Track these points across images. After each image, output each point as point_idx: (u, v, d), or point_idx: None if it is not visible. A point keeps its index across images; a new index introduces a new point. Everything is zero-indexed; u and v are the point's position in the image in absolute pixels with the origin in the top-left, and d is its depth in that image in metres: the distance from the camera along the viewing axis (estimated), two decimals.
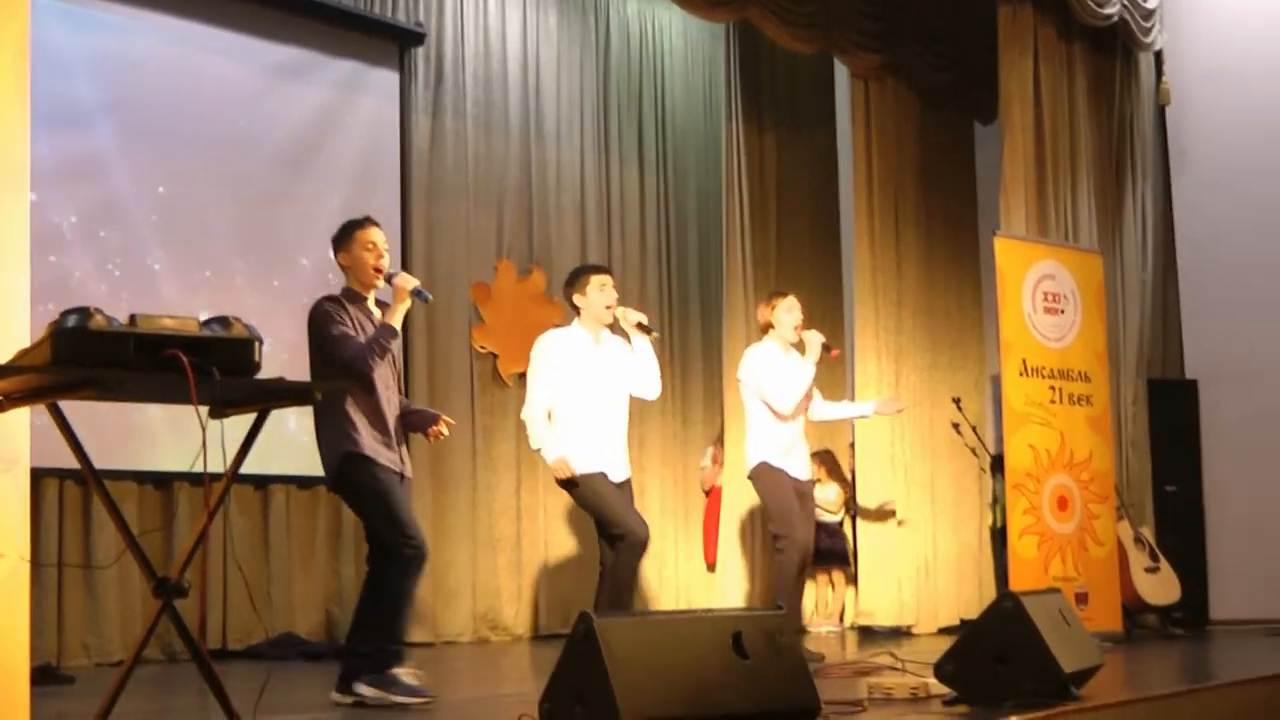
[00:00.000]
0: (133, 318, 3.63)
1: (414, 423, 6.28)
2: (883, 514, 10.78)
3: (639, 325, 7.34)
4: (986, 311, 11.19)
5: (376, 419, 5.95)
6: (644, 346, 7.37)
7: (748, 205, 11.58)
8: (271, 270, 9.77)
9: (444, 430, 6.27)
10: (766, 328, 8.35)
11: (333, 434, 5.92)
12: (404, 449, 6.10)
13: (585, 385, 7.22)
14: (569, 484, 7.21)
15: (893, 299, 11.03)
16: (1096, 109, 10.84)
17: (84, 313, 3.56)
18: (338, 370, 5.81)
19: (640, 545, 7.15)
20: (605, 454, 7.20)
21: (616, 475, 7.24)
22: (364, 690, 5.76)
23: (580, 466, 7.15)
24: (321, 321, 5.92)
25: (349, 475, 5.93)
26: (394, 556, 5.85)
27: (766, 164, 11.85)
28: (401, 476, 6.02)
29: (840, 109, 12.04)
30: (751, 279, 11.38)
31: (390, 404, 6.04)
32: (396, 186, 10.65)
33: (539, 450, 7.34)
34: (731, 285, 11.41)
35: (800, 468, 8.27)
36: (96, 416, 8.52)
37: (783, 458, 8.16)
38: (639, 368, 7.38)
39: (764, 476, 8.21)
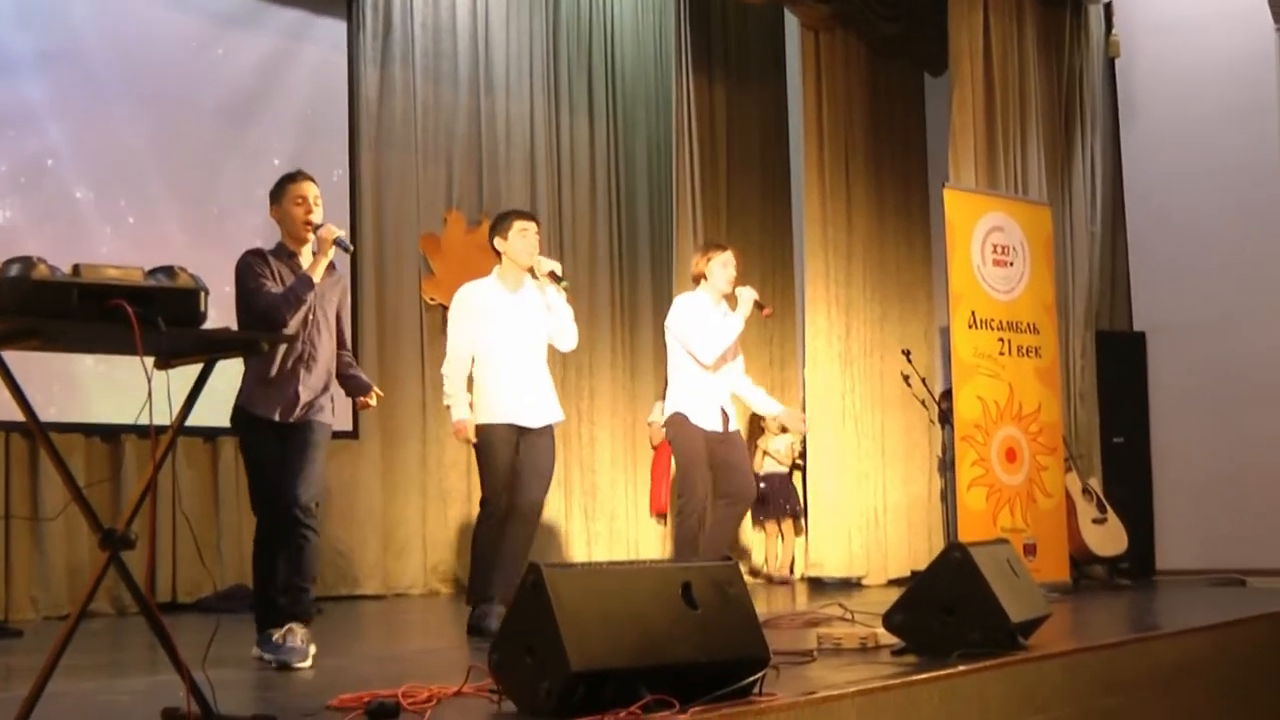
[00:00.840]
0: (76, 268, 3.59)
1: (348, 386, 6.26)
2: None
3: (550, 274, 7.21)
4: (936, 264, 11.23)
5: (262, 371, 5.88)
6: (557, 297, 7.26)
7: (698, 156, 11.57)
8: (216, 224, 9.69)
9: (371, 402, 6.29)
10: (699, 278, 8.19)
11: (241, 386, 5.94)
12: (309, 401, 5.95)
13: (500, 336, 7.12)
14: (478, 432, 7.15)
15: (843, 251, 11.05)
16: (1046, 61, 10.85)
17: (26, 262, 3.52)
18: (254, 320, 5.78)
19: (494, 515, 7.06)
20: (523, 401, 7.11)
21: (535, 420, 7.15)
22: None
23: (484, 416, 7.07)
24: (241, 274, 5.90)
25: (235, 430, 6.00)
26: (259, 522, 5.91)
27: (717, 115, 11.84)
28: (287, 425, 5.90)
29: (791, 60, 12.03)
30: (702, 230, 11.38)
31: (304, 357, 5.95)
32: (344, 138, 10.59)
33: (447, 406, 7.26)
34: (682, 236, 11.40)
35: (718, 420, 8.02)
36: (41, 368, 8.48)
37: (699, 411, 7.97)
38: (554, 318, 7.27)
39: (675, 429, 8.03)
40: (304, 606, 5.82)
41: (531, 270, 7.21)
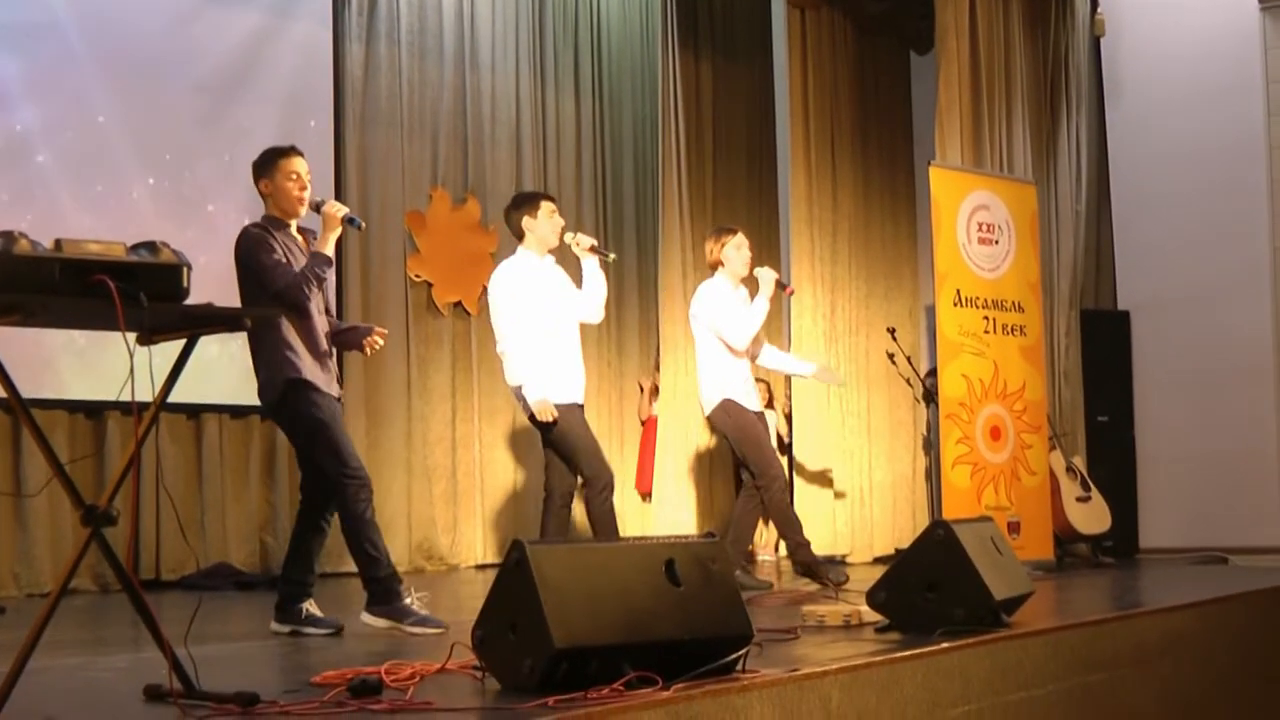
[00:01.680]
0: (58, 243, 3.57)
1: (348, 340, 6.27)
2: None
3: (593, 248, 7.36)
4: (921, 242, 11.24)
5: (313, 344, 5.92)
6: (595, 271, 7.36)
7: (684, 134, 11.55)
8: (199, 201, 9.64)
9: (378, 341, 6.24)
10: (715, 265, 8.30)
11: (273, 360, 5.88)
12: (335, 369, 6.08)
13: (542, 313, 7.22)
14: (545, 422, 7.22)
15: (828, 229, 11.05)
16: (1032, 39, 10.85)
17: (8, 237, 3.50)
18: (270, 298, 5.76)
19: (609, 486, 7.25)
20: (566, 381, 7.22)
21: (577, 398, 7.33)
22: (374, 620, 5.85)
23: (556, 398, 7.16)
24: (253, 249, 5.86)
25: (291, 403, 5.90)
26: (335, 487, 5.84)
27: (703, 93, 11.82)
28: (340, 403, 6.03)
29: (777, 38, 12.02)
30: (688, 208, 11.37)
31: (323, 328, 6.01)
32: (329, 114, 10.55)
33: (518, 386, 7.28)
34: (667, 214, 11.39)
35: (756, 401, 8.36)
36: (23, 344, 8.44)
37: (744, 394, 8.18)
38: (587, 291, 7.39)
39: (731, 415, 8.17)
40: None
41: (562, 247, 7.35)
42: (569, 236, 7.37)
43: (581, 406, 7.38)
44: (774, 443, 11.34)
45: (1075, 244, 11.12)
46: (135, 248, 3.72)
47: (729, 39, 12.04)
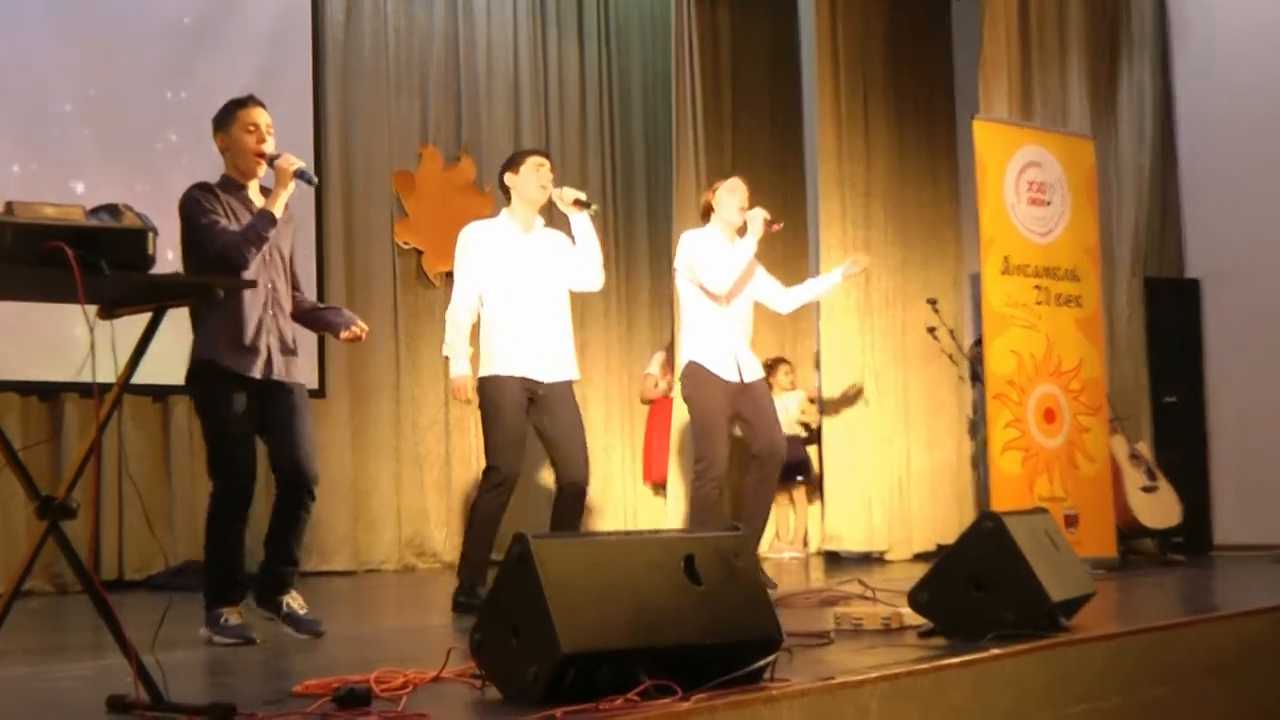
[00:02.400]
0: (9, 205, 3.57)
1: (324, 320, 6.25)
2: (848, 399, 10.80)
3: (576, 202, 7.27)
4: (964, 204, 11.20)
5: (234, 320, 5.86)
6: (584, 226, 7.29)
7: (699, 85, 11.51)
8: (165, 160, 9.64)
9: (359, 334, 6.23)
10: (707, 211, 8.27)
11: (197, 336, 5.89)
12: (284, 355, 5.99)
13: (515, 279, 7.15)
14: (480, 385, 7.15)
15: (860, 190, 11.02)
16: None
17: None
18: (208, 262, 5.74)
19: (503, 484, 7.08)
20: (535, 356, 7.12)
21: (546, 375, 7.15)
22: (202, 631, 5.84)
23: (490, 368, 7.08)
24: (188, 210, 5.85)
25: (195, 386, 5.96)
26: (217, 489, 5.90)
27: (721, 39, 11.78)
28: (268, 384, 5.92)
29: None
30: (704, 168, 11.32)
31: (271, 303, 5.95)
32: (308, 66, 10.54)
33: (446, 357, 7.27)
34: (681, 175, 11.35)
35: (736, 368, 8.08)
36: None
37: (716, 358, 8.01)
38: (578, 254, 7.30)
39: (690, 380, 8.08)
40: (292, 581, 6.07)
41: (550, 206, 7.28)
42: (554, 192, 7.31)
43: (557, 386, 7.18)
44: (792, 428, 11.39)
45: (1137, 204, 11.08)
46: (95, 211, 3.71)
47: None
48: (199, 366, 5.89)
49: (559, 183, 7.45)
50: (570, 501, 7.17)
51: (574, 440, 7.18)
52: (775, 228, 8.20)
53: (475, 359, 7.18)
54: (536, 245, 7.26)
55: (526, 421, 7.12)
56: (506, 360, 7.06)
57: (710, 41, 11.66)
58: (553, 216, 7.72)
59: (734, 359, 8.07)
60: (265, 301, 5.93)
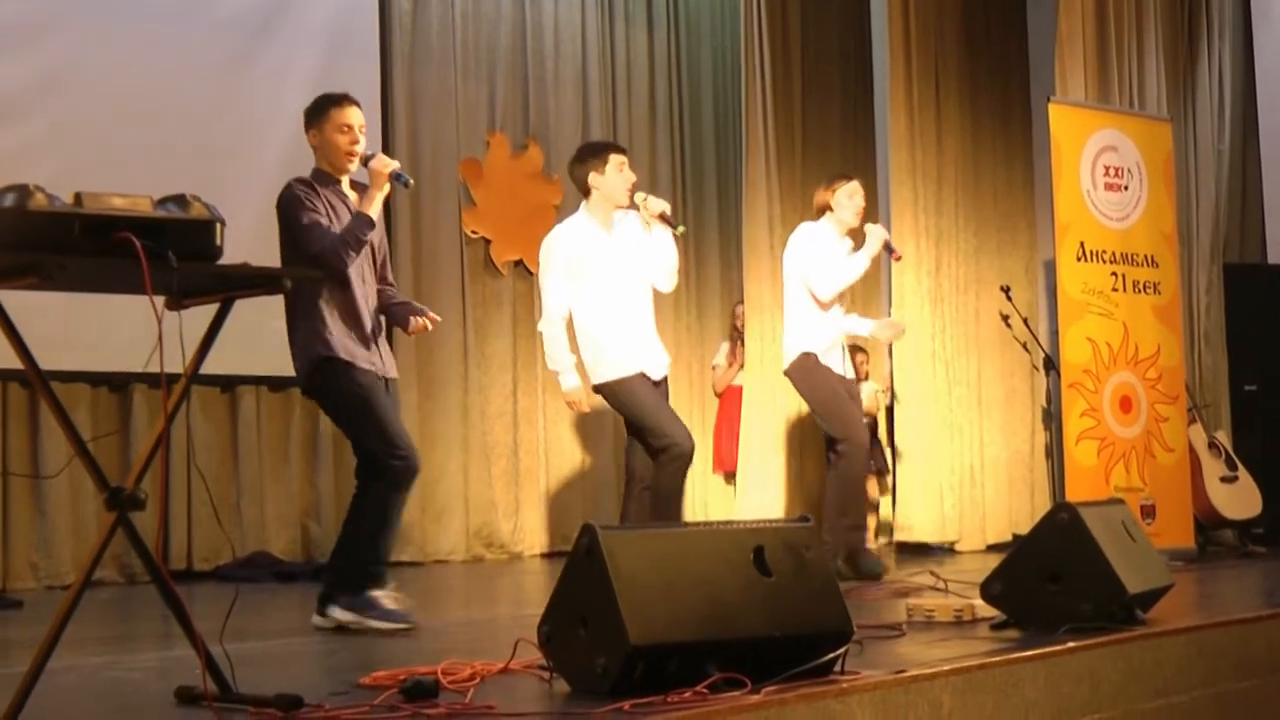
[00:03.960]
0: (78, 196, 3.59)
1: (396, 314, 6.28)
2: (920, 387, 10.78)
3: (662, 216, 7.27)
4: (1039, 189, 11.12)
5: (351, 317, 5.95)
6: (665, 240, 7.30)
7: (770, 71, 11.46)
8: (233, 147, 9.70)
9: (428, 325, 6.26)
10: (823, 209, 8.40)
11: (304, 335, 5.94)
12: (385, 348, 6.10)
13: (605, 282, 7.19)
14: (605, 392, 7.22)
15: (933, 176, 10.97)
16: None
17: (23, 191, 3.52)
18: (307, 263, 5.79)
19: (686, 457, 7.18)
20: (640, 352, 7.20)
21: (655, 372, 7.26)
22: (339, 614, 5.83)
23: (614, 371, 7.17)
24: (291, 208, 5.90)
25: (323, 382, 5.97)
26: (380, 468, 5.87)
27: (790, 24, 11.72)
28: (385, 380, 6.04)
29: None
30: (774, 154, 11.28)
31: (368, 300, 6.04)
32: (375, 52, 10.58)
33: (556, 372, 7.33)
34: (752, 162, 11.31)
35: (843, 365, 8.36)
36: (42, 311, 8.50)
37: (826, 352, 8.19)
38: (657, 260, 7.31)
39: (808, 372, 8.25)
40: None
41: (632, 207, 7.30)
42: (639, 196, 7.31)
43: (657, 382, 7.30)
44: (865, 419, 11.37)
45: (1217, 188, 10.99)
46: (163, 202, 3.73)
47: None
48: (326, 364, 5.93)
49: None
50: (676, 473, 7.20)
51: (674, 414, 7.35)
52: (895, 256, 8.45)
53: (579, 367, 7.24)
54: (620, 243, 7.27)
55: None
56: (623, 362, 7.14)
57: (780, 28, 11.60)
58: None
59: (838, 353, 8.31)
60: (365, 297, 6.01)
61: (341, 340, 5.92)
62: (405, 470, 5.89)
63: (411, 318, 6.25)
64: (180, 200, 3.75)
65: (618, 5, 12.08)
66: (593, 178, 7.24)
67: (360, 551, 5.91)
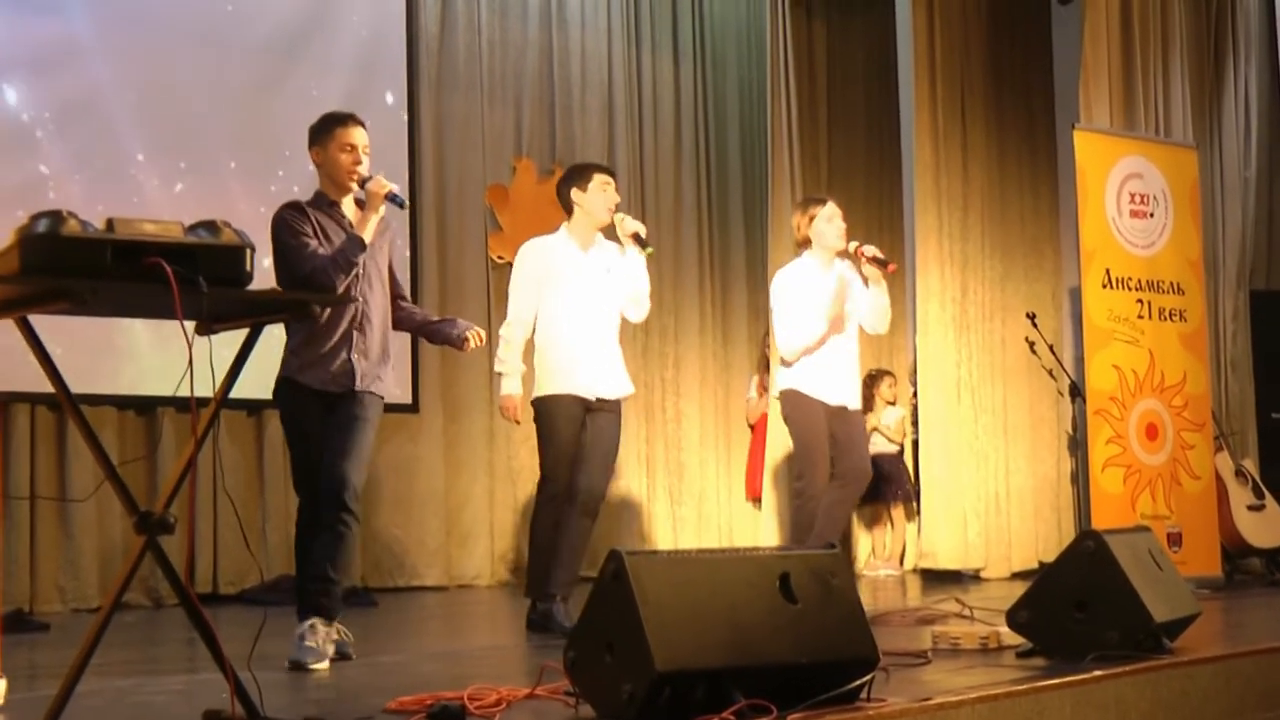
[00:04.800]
0: (110, 222, 3.61)
1: (439, 333, 6.29)
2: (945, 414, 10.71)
3: (634, 236, 7.18)
4: (1065, 216, 11.11)
5: (320, 337, 5.89)
6: (638, 262, 7.22)
7: (795, 99, 11.50)
8: (263, 170, 9.75)
9: (473, 341, 6.25)
10: (802, 243, 8.10)
11: (285, 351, 5.97)
12: (366, 367, 5.99)
13: (571, 296, 7.12)
14: (535, 407, 7.14)
15: (958, 203, 10.96)
16: None
17: (55, 217, 3.54)
18: (298, 285, 5.75)
19: (555, 500, 7.02)
20: (589, 372, 7.10)
21: (603, 390, 7.13)
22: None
23: (544, 387, 7.07)
24: (279, 231, 5.89)
25: (278, 403, 6.03)
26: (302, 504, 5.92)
27: (816, 53, 11.75)
28: (340, 395, 5.92)
29: None
30: (799, 182, 11.31)
31: (359, 318, 5.96)
32: (402, 78, 10.62)
33: (499, 373, 7.27)
34: (777, 189, 11.34)
35: (840, 391, 8.02)
36: (72, 334, 8.57)
37: (817, 382, 7.98)
38: (628, 286, 7.22)
39: (790, 404, 8.08)
40: (332, 601, 5.83)
41: (611, 230, 7.21)
42: (616, 216, 7.25)
43: (605, 404, 7.14)
44: (888, 444, 11.34)
45: (1243, 216, 10.97)
46: (193, 228, 3.75)
47: None
48: (281, 383, 5.95)
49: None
50: (587, 508, 7.06)
51: (604, 458, 7.13)
52: (890, 269, 8.07)
53: (527, 376, 7.18)
54: (595, 264, 7.20)
55: (580, 437, 7.09)
56: (565, 379, 7.06)
57: (806, 56, 11.64)
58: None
59: (836, 381, 8.01)
60: (353, 316, 5.96)
61: (302, 360, 5.88)
62: (314, 509, 5.86)
63: (460, 338, 6.23)
64: (211, 226, 3.77)
65: (644, 34, 12.11)
66: (575, 194, 7.20)
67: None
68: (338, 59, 10.23)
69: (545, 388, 7.08)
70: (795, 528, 8.09)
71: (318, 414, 5.91)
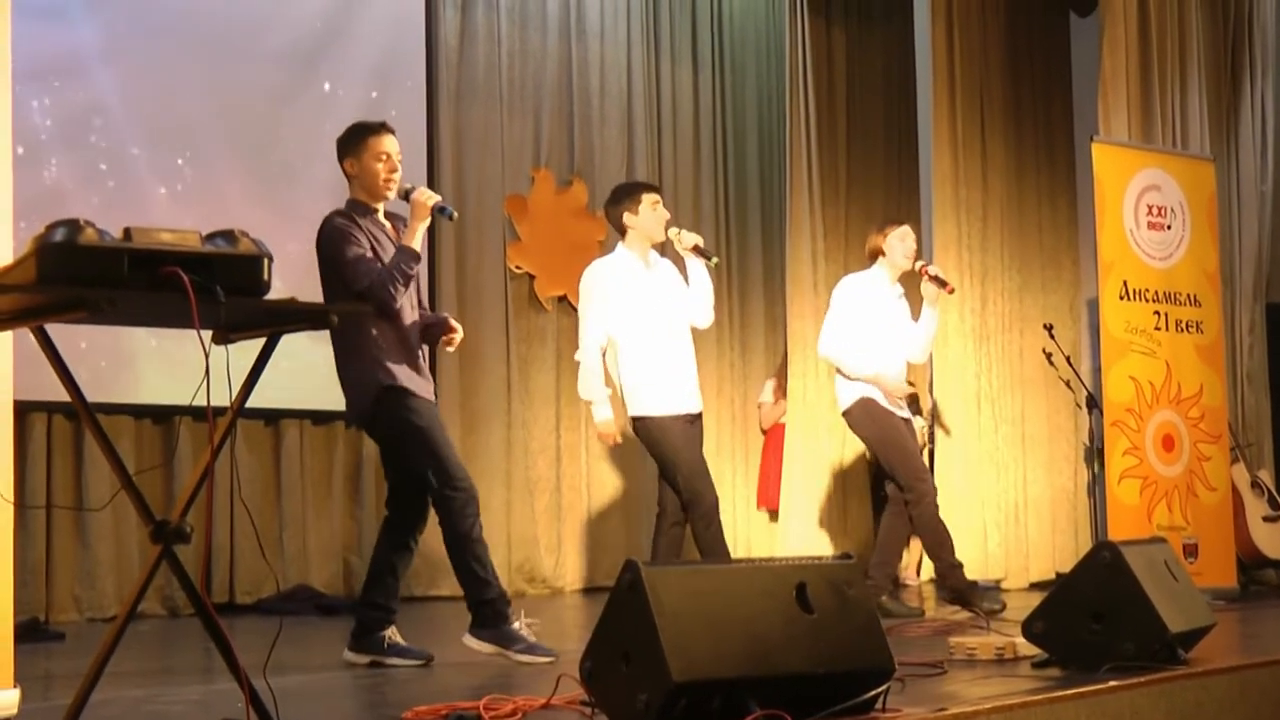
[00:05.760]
0: (127, 231, 3.61)
1: (428, 336, 6.30)
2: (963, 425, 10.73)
3: (696, 249, 7.34)
4: (1083, 227, 11.09)
5: (405, 347, 5.98)
6: (699, 272, 7.37)
7: (814, 110, 11.49)
8: (278, 181, 9.76)
9: (454, 338, 6.26)
10: (875, 254, 8.42)
11: (362, 366, 5.94)
12: (428, 373, 6.12)
13: (644, 315, 7.23)
14: (640, 427, 7.25)
15: (977, 214, 10.94)
16: None
17: (73, 225, 3.54)
18: (354, 298, 5.80)
19: (709, 511, 7.20)
20: (676, 390, 7.23)
21: (691, 408, 7.29)
22: (479, 645, 5.91)
23: (653, 407, 7.20)
24: (334, 242, 5.91)
25: (387, 412, 5.96)
26: (438, 500, 5.89)
27: (835, 63, 11.75)
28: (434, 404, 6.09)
29: None
30: (818, 192, 11.31)
31: (415, 328, 6.06)
32: (421, 88, 10.63)
33: (588, 402, 7.36)
34: (795, 199, 11.34)
35: (901, 402, 8.40)
36: (89, 343, 8.60)
37: (883, 393, 8.22)
38: (693, 293, 7.40)
39: (871, 416, 8.24)
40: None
41: (664, 243, 7.33)
42: (672, 232, 7.38)
43: (694, 418, 7.34)
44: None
45: (1260, 228, 10.94)
46: (211, 237, 3.75)
47: (864, 1, 11.97)
48: (390, 394, 5.93)
49: (672, 209, 7.52)
50: (704, 526, 7.20)
51: (708, 470, 7.34)
52: (949, 289, 8.35)
53: (614, 399, 7.26)
54: (659, 279, 7.33)
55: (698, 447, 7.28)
56: (667, 398, 7.16)
57: (825, 67, 11.64)
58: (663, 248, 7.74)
59: (900, 395, 8.32)
60: (411, 327, 6.03)
61: (403, 370, 5.94)
62: (462, 499, 5.88)
63: (442, 338, 6.26)
64: (228, 235, 3.77)
65: (663, 43, 12.11)
66: (627, 217, 7.30)
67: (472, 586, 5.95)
68: (357, 70, 10.24)
69: (650, 408, 7.19)
70: (923, 531, 8.32)
71: (439, 417, 6.06)
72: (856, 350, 8.25)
